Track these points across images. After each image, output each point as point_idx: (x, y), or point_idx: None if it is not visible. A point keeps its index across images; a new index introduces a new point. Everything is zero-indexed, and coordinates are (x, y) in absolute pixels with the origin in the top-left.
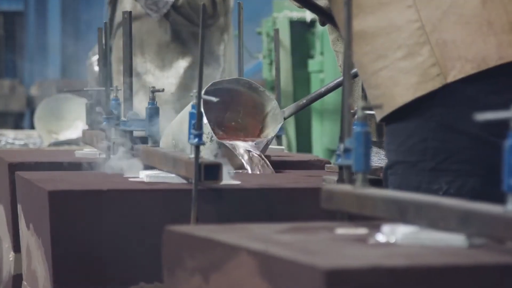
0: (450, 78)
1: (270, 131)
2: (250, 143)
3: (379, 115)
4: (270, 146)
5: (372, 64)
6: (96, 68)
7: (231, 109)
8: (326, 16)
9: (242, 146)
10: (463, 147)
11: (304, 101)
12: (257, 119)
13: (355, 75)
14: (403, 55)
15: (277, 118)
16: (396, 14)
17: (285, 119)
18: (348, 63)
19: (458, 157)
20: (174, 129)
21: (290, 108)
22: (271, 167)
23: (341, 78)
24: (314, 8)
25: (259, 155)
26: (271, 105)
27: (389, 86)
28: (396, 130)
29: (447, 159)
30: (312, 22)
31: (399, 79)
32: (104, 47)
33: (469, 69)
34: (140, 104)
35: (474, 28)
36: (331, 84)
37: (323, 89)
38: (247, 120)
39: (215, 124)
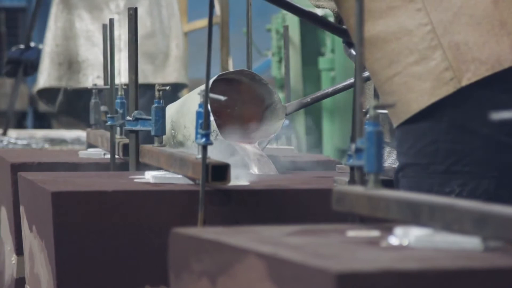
0: (465, 82)
1: (270, 126)
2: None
3: (395, 122)
4: (279, 146)
5: (385, 71)
6: None
7: (228, 96)
8: (313, 20)
9: (248, 147)
10: (475, 148)
11: (309, 99)
12: (256, 110)
13: (367, 79)
14: (415, 60)
15: (278, 113)
16: (406, 18)
17: (287, 115)
18: (359, 61)
19: (471, 159)
20: (173, 118)
21: (293, 105)
22: (274, 167)
23: (350, 81)
24: (297, 11)
25: (263, 155)
26: (273, 98)
27: (404, 92)
28: (406, 132)
29: (459, 161)
30: None
31: (412, 85)
32: (109, 43)
33: (483, 71)
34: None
35: (486, 29)
36: (339, 86)
37: (330, 90)
38: (244, 109)
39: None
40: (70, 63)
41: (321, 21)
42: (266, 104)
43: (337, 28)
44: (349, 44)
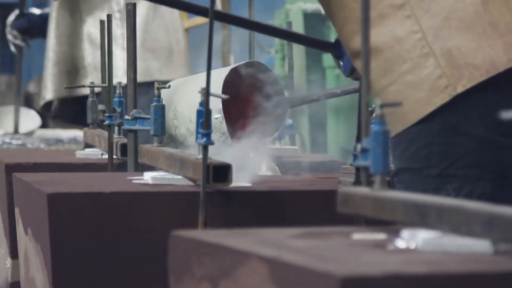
0: (460, 88)
1: (273, 119)
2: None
3: (391, 131)
4: (282, 146)
5: (379, 80)
6: None
7: (228, 82)
8: (293, 39)
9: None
10: (470, 150)
11: (315, 97)
12: (255, 96)
13: None
14: (409, 68)
15: (280, 104)
16: (396, 26)
17: (290, 107)
18: (366, 59)
19: (465, 161)
20: (177, 107)
21: (297, 99)
22: (276, 167)
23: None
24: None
25: (265, 156)
26: (275, 88)
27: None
28: (399, 136)
29: (454, 164)
30: None
31: (407, 94)
32: (107, 40)
33: (478, 76)
34: None
35: (478, 32)
36: (349, 88)
37: (338, 91)
38: (242, 93)
39: None
40: (77, 69)
41: (302, 38)
42: (268, 93)
43: (318, 42)
44: (337, 56)
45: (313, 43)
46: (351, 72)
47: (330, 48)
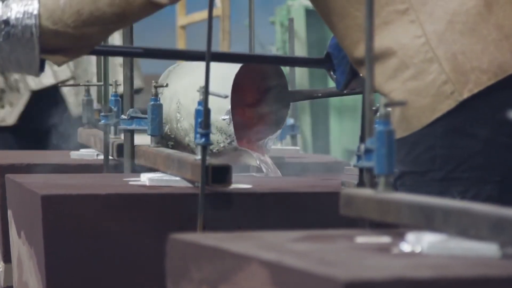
0: (466, 93)
1: (272, 113)
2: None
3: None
4: (284, 147)
5: (382, 87)
6: None
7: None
8: (277, 62)
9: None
10: (475, 152)
11: (320, 94)
12: (257, 86)
13: None
14: (412, 74)
15: (282, 98)
16: (400, 32)
17: (293, 101)
18: (369, 58)
19: (470, 164)
20: (180, 99)
21: (300, 93)
22: (277, 169)
23: None
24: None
25: (265, 156)
26: (279, 81)
27: (402, 109)
28: (401, 139)
29: (458, 167)
30: None
31: (411, 101)
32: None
33: (486, 80)
34: None
35: (483, 35)
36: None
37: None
38: (244, 82)
39: None
40: None
41: (294, 61)
42: (270, 84)
43: (309, 60)
44: (329, 70)
45: (305, 63)
46: (345, 86)
47: (321, 64)
